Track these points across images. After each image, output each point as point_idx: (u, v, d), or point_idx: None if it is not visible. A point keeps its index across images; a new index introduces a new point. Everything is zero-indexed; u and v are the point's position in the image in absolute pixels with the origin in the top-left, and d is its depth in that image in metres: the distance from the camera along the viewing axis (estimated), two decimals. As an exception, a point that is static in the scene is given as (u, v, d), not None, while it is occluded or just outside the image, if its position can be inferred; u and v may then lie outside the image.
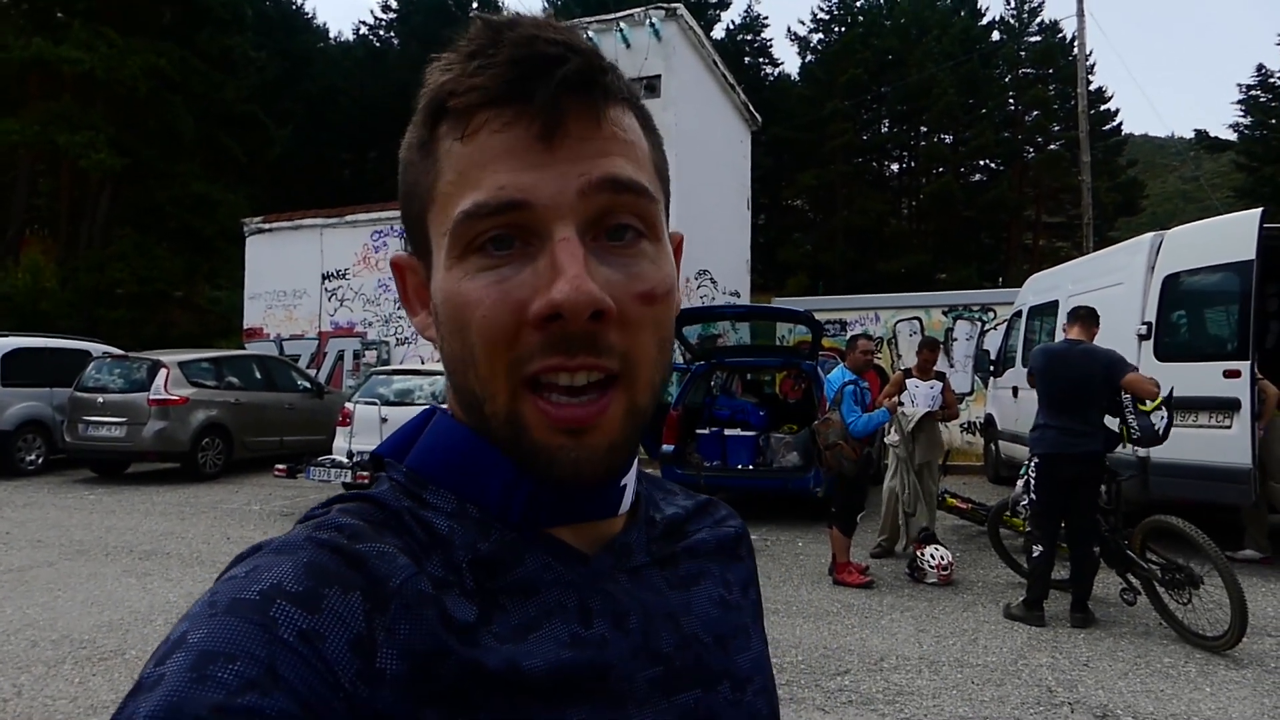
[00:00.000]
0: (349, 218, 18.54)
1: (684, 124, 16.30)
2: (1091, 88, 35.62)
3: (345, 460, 9.22)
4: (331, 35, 45.10)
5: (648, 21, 15.96)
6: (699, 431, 9.72)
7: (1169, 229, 7.85)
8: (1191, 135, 32.56)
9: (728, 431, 9.52)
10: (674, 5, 16.40)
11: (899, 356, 15.70)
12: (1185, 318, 7.75)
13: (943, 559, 6.60)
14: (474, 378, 0.54)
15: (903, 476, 7.40)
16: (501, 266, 0.52)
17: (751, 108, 21.41)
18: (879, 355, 15.72)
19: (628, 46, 16.08)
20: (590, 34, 16.12)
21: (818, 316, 16.05)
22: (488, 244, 0.52)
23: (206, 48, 26.66)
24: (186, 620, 0.47)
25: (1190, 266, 7.29)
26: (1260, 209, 6.83)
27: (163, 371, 11.49)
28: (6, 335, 12.65)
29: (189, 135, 25.02)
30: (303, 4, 43.07)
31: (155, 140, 24.71)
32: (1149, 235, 7.83)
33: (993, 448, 11.94)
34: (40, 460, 12.41)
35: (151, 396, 11.34)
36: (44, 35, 22.62)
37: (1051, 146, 34.78)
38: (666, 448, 9.41)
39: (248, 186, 28.66)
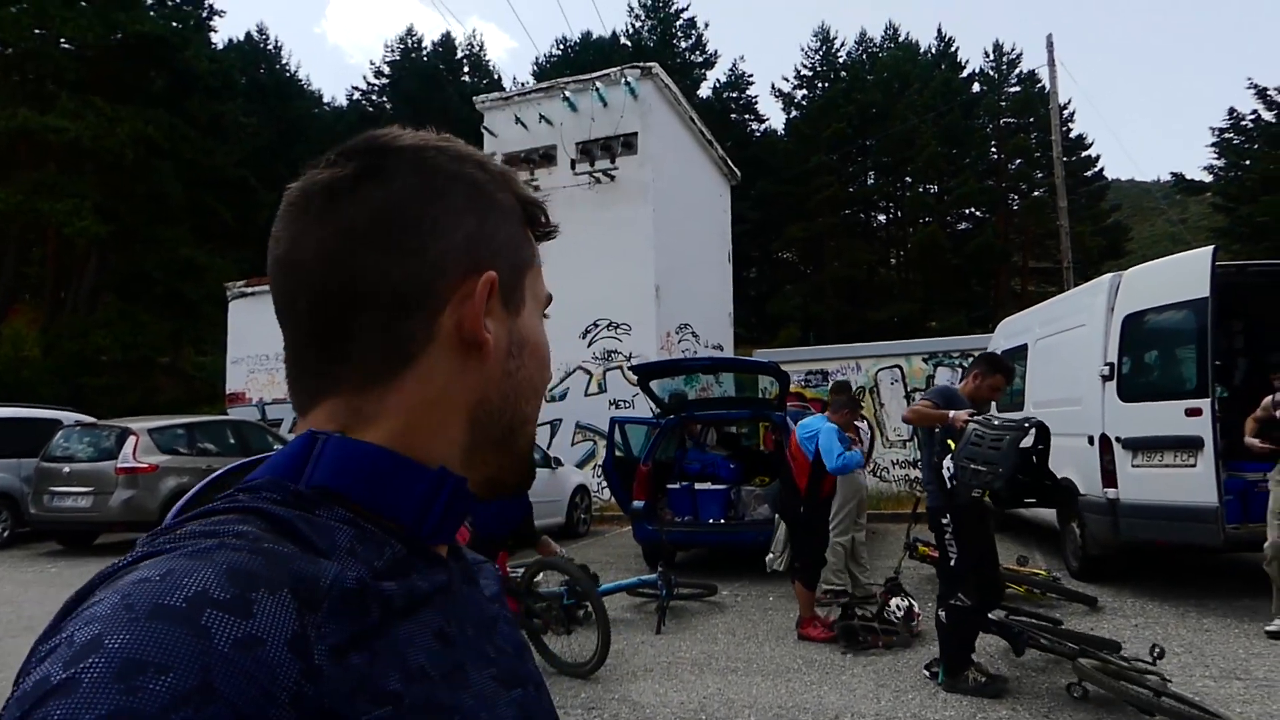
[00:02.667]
0: (332, 279, 18.60)
1: (662, 180, 16.45)
2: (1071, 135, 36.15)
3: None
4: (325, 101, 45.87)
5: (623, 81, 16.18)
6: (669, 486, 9.61)
7: (1106, 273, 7.87)
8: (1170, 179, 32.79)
9: (698, 486, 9.40)
10: (649, 65, 16.66)
11: (881, 405, 15.62)
12: (1146, 357, 7.70)
13: (909, 608, 6.44)
14: (538, 400, 0.72)
15: (852, 528, 7.33)
16: None
17: (730, 162, 21.63)
18: (862, 405, 15.67)
19: (604, 105, 16.29)
20: (568, 93, 16.39)
21: (799, 367, 16.12)
22: None
23: (196, 115, 27.07)
24: (96, 622, 0.44)
25: (1148, 306, 7.26)
26: (1212, 247, 6.83)
27: (131, 439, 11.30)
28: None
29: (177, 201, 25.25)
30: (296, 72, 43.90)
31: (143, 206, 24.94)
32: (1108, 276, 7.83)
33: (974, 495, 11.80)
34: (6, 533, 12.18)
35: (119, 465, 11.11)
36: (31, 105, 22.93)
37: (1035, 193, 35.15)
38: (637, 503, 9.29)
39: (237, 251, 28.85)
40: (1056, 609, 6.97)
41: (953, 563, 5.11)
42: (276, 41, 43.30)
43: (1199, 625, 6.40)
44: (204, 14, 30.92)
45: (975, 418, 4.79)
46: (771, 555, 7.71)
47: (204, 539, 0.51)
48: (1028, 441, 4.67)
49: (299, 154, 36.26)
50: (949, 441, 5.04)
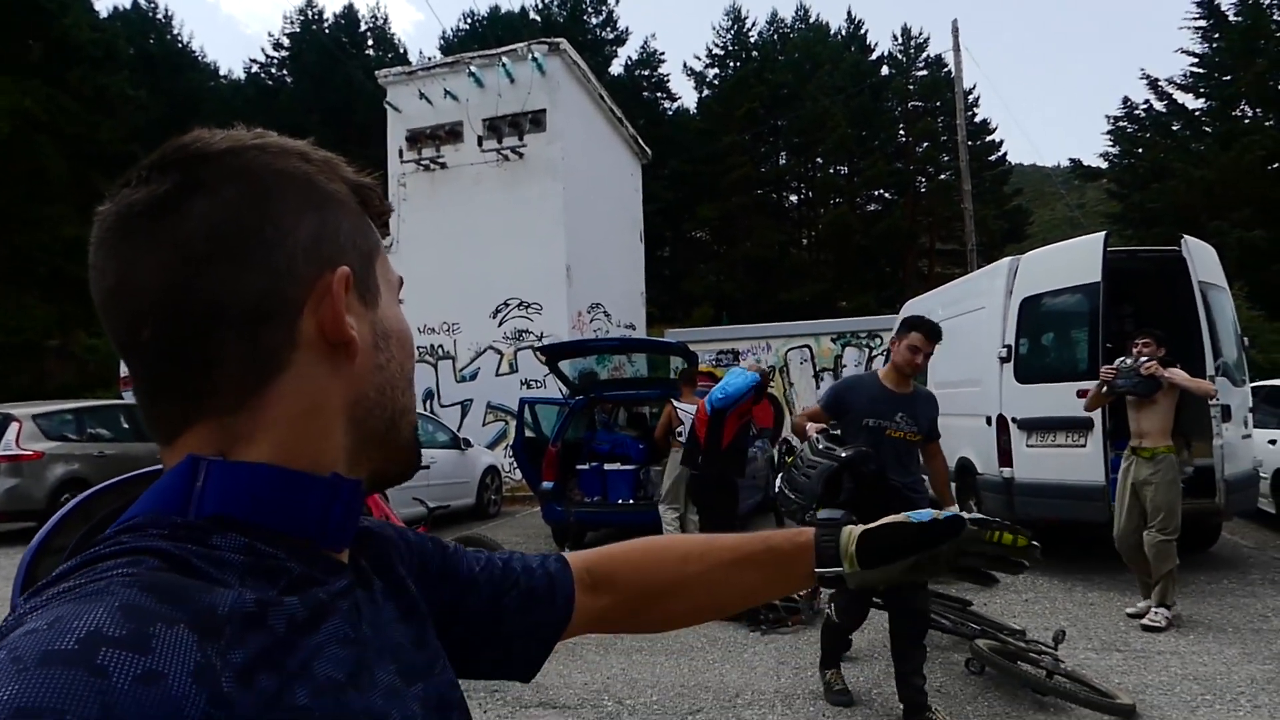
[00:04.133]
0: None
1: (571, 158, 16.28)
2: (976, 120, 37.09)
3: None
4: (222, 74, 44.10)
5: (530, 56, 15.93)
6: (579, 467, 9.55)
7: (1008, 256, 8.06)
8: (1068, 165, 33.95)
9: (607, 466, 9.37)
10: (557, 41, 16.44)
11: (790, 384, 15.84)
12: (1041, 340, 7.92)
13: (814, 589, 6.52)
14: (411, 389, 0.71)
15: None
16: None
17: (641, 141, 21.56)
18: (771, 384, 15.84)
19: (511, 81, 16.04)
20: (473, 69, 16.07)
21: (711, 347, 16.24)
22: None
23: (79, 87, 25.60)
24: None
25: (1044, 289, 7.46)
26: (1104, 233, 7.04)
27: (14, 425, 10.77)
28: None
29: (59, 177, 23.93)
30: (189, 43, 42.07)
31: (21, 183, 23.53)
32: (1007, 260, 8.02)
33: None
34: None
35: (1, 452, 10.60)
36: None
37: (941, 176, 35.97)
38: (546, 484, 9.20)
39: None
40: (955, 586, 7.14)
41: None
42: (166, 10, 41.16)
43: (1084, 599, 6.64)
44: (87, -22, 29.29)
45: (814, 436, 4.28)
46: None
47: (91, 584, 0.49)
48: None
49: (193, 129, 34.76)
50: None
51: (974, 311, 8.38)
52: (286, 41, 41.21)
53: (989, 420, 7.76)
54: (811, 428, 4.44)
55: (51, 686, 0.41)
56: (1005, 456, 7.52)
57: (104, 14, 33.82)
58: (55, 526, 0.64)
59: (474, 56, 16.82)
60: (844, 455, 4.16)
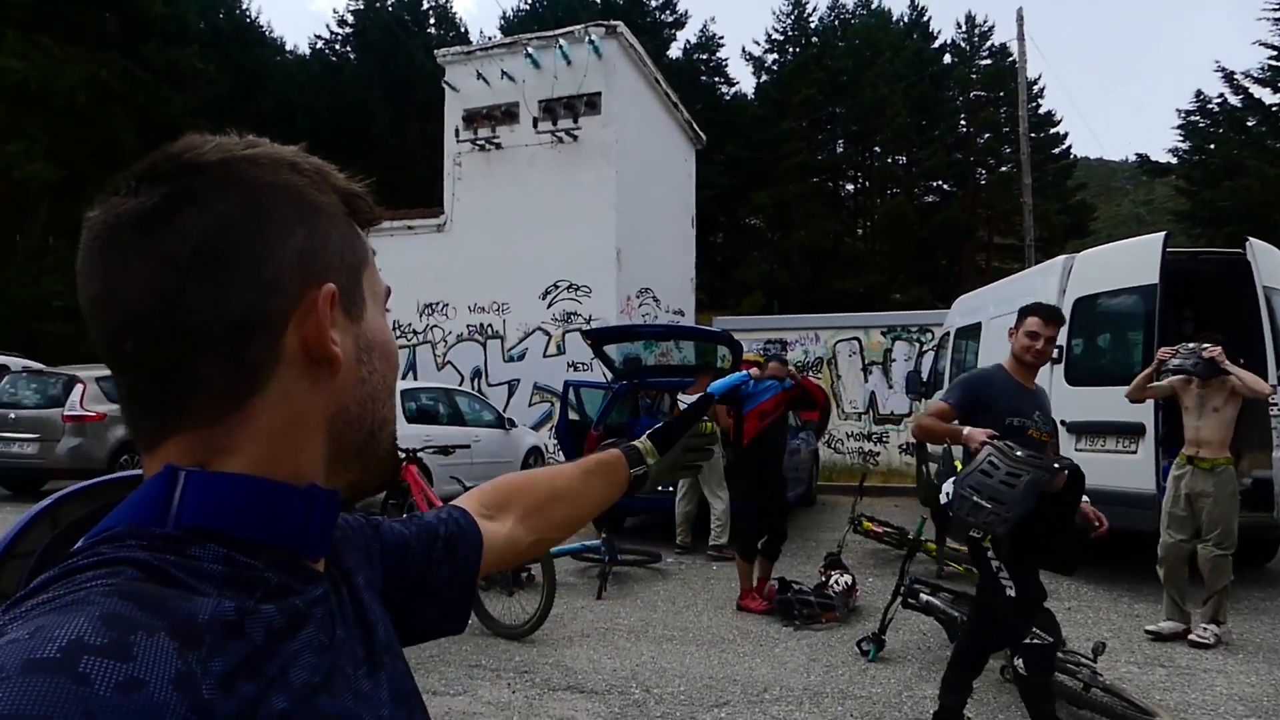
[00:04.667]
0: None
1: (625, 142, 16.24)
2: (1040, 111, 36.25)
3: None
4: (288, 49, 44.68)
5: (588, 39, 15.89)
6: (620, 452, 9.57)
7: (1080, 252, 7.85)
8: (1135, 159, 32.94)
9: (648, 452, 9.36)
10: (614, 23, 16.38)
11: (838, 377, 15.67)
12: (1095, 341, 7.72)
13: (848, 584, 6.46)
14: (391, 400, 0.71)
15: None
16: None
17: (696, 126, 21.41)
18: (819, 376, 15.70)
19: (568, 63, 16.02)
20: (530, 50, 16.08)
21: (759, 336, 16.11)
22: None
23: (152, 59, 26.21)
24: None
25: (1099, 290, 7.27)
26: (1164, 233, 6.83)
27: (79, 387, 11.14)
28: None
29: (131, 147, 24.49)
30: (256, 18, 42.72)
31: (95, 152, 24.19)
32: (1061, 258, 7.83)
33: (924, 470, 11.87)
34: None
35: (66, 412, 10.98)
36: (-25, 46, 22.13)
37: (1002, 169, 35.22)
38: (586, 469, 9.23)
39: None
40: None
41: (1011, 593, 3.87)
42: (237, -16, 41.85)
43: (1130, 611, 6.49)
44: (160, -46, 29.87)
45: (995, 441, 3.76)
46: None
47: (71, 594, 0.49)
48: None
49: (260, 103, 35.62)
50: (956, 463, 4.32)
51: (1027, 310, 8.21)
52: (350, 18, 41.61)
53: (1038, 422, 7.60)
54: (982, 433, 3.81)
55: (35, 694, 0.42)
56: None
57: (176, -11, 34.43)
58: (21, 531, 0.63)
59: (531, 38, 16.83)
60: (1057, 465, 3.80)
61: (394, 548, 0.88)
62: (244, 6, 41.60)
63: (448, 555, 0.94)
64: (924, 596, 5.43)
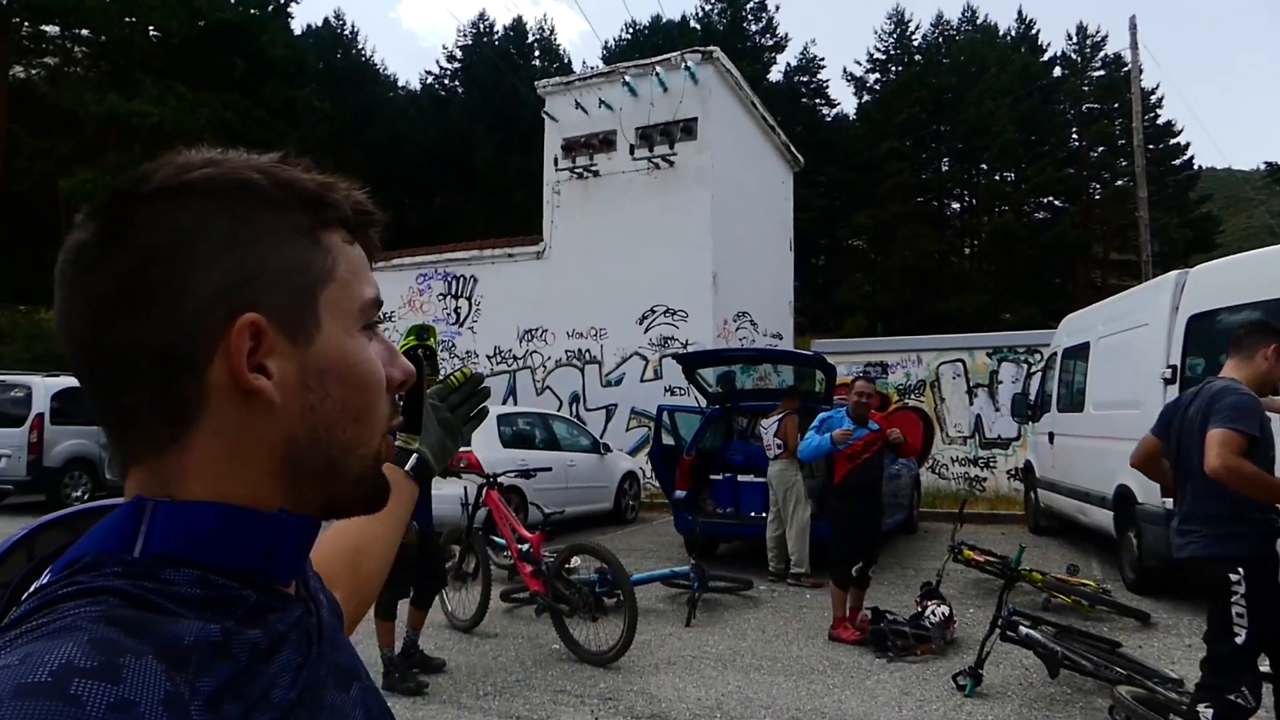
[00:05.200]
0: (395, 262, 18.85)
1: (721, 166, 16.24)
2: (1159, 121, 34.74)
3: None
4: (401, 85, 46.45)
5: (684, 65, 15.99)
6: (712, 477, 9.50)
7: (1193, 267, 7.44)
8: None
9: (741, 478, 9.28)
10: (710, 49, 16.44)
11: (942, 400, 15.24)
12: (1215, 361, 7.29)
13: (945, 614, 6.23)
14: (361, 425, 0.67)
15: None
16: (372, 343, 0.69)
17: (793, 149, 21.25)
18: (921, 399, 15.30)
19: (664, 90, 16.14)
20: (628, 78, 16.28)
21: (858, 359, 15.80)
22: (369, 326, 0.68)
23: (271, 99, 27.67)
24: None
25: (1215, 306, 6.87)
26: (1286, 245, 6.42)
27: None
28: (56, 375, 13.04)
29: (251, 185, 25.95)
30: (371, 56, 44.55)
31: (218, 190, 25.70)
32: (1173, 273, 7.43)
33: (1032, 496, 11.43)
34: (86, 496, 12.70)
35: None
36: (120, 91, 23.79)
37: (1118, 182, 33.86)
38: (680, 493, 9.21)
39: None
40: (1106, 623, 6.68)
41: (1239, 639, 3.42)
42: (353, 26, 43.91)
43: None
44: (282, 1, 31.56)
45: None
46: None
47: (56, 621, 0.50)
48: None
49: (372, 138, 37.04)
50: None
51: (1136, 329, 7.83)
52: (459, 54, 43.00)
53: (1150, 446, 7.21)
54: None
55: (28, 717, 0.43)
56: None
57: (298, 32, 36.31)
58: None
59: (629, 66, 17.03)
60: None
61: None
62: (359, 46, 43.49)
63: None
64: (1023, 629, 5.20)
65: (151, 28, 25.89)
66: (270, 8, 30.58)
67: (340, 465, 0.66)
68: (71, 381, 13.07)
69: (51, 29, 27.49)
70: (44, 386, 12.71)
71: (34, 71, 29.05)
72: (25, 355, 19.53)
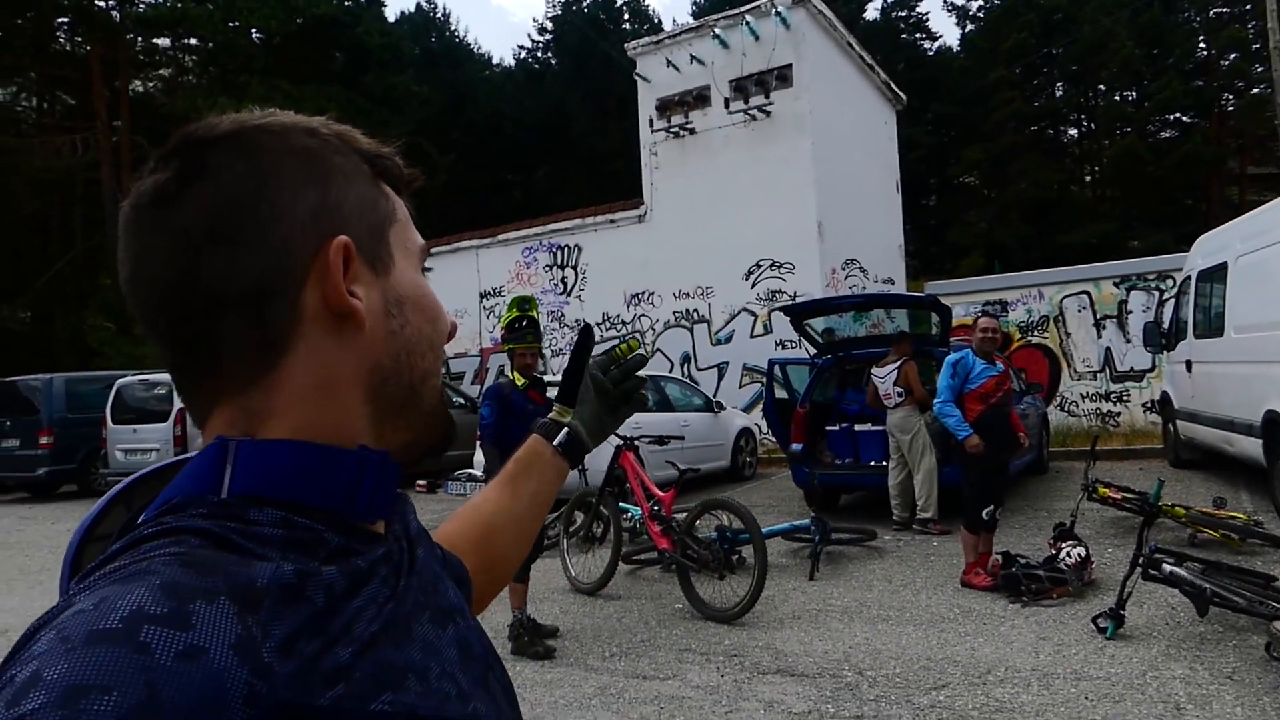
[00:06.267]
0: (501, 237, 19.16)
1: (820, 111, 15.83)
2: (1297, 21, 32.01)
3: (482, 475, 9.46)
4: (494, 63, 46.86)
5: (774, 11, 15.59)
6: (829, 428, 9.35)
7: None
8: None
9: (858, 427, 9.10)
10: (801, -9, 15.97)
11: (1068, 335, 14.59)
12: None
13: (1081, 555, 5.98)
14: (435, 354, 0.70)
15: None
16: None
17: (895, 87, 20.49)
18: (1046, 335, 14.68)
19: (756, 39, 15.80)
20: (718, 30, 16.01)
21: (976, 298, 15.23)
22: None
23: (371, 88, 28.35)
24: (34, 660, 0.45)
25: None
26: None
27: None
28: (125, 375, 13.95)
29: (356, 175, 26.82)
30: (465, 36, 45.06)
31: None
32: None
33: (1171, 428, 10.84)
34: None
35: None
36: (228, 94, 24.79)
37: (1254, 91, 31.44)
38: (795, 446, 9.11)
39: (415, 214, 30.21)
40: (1260, 557, 6.30)
41: None
42: (444, 9, 44.30)
43: None
44: (376, -9, 32.20)
45: None
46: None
47: (134, 564, 0.51)
48: None
49: (471, 117, 37.56)
50: None
51: (1278, 244, 7.28)
52: (549, 25, 43.04)
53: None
54: None
55: (98, 664, 0.43)
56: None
57: (392, 19, 36.99)
58: (98, 514, 0.66)
59: (718, 18, 16.69)
60: None
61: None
62: (453, 28, 44.02)
63: None
64: (1167, 567, 4.94)
65: (253, 30, 26.84)
66: (363, -1, 31.27)
67: (419, 394, 0.69)
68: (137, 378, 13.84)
69: (163, 41, 28.78)
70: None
71: (151, 84, 30.59)
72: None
